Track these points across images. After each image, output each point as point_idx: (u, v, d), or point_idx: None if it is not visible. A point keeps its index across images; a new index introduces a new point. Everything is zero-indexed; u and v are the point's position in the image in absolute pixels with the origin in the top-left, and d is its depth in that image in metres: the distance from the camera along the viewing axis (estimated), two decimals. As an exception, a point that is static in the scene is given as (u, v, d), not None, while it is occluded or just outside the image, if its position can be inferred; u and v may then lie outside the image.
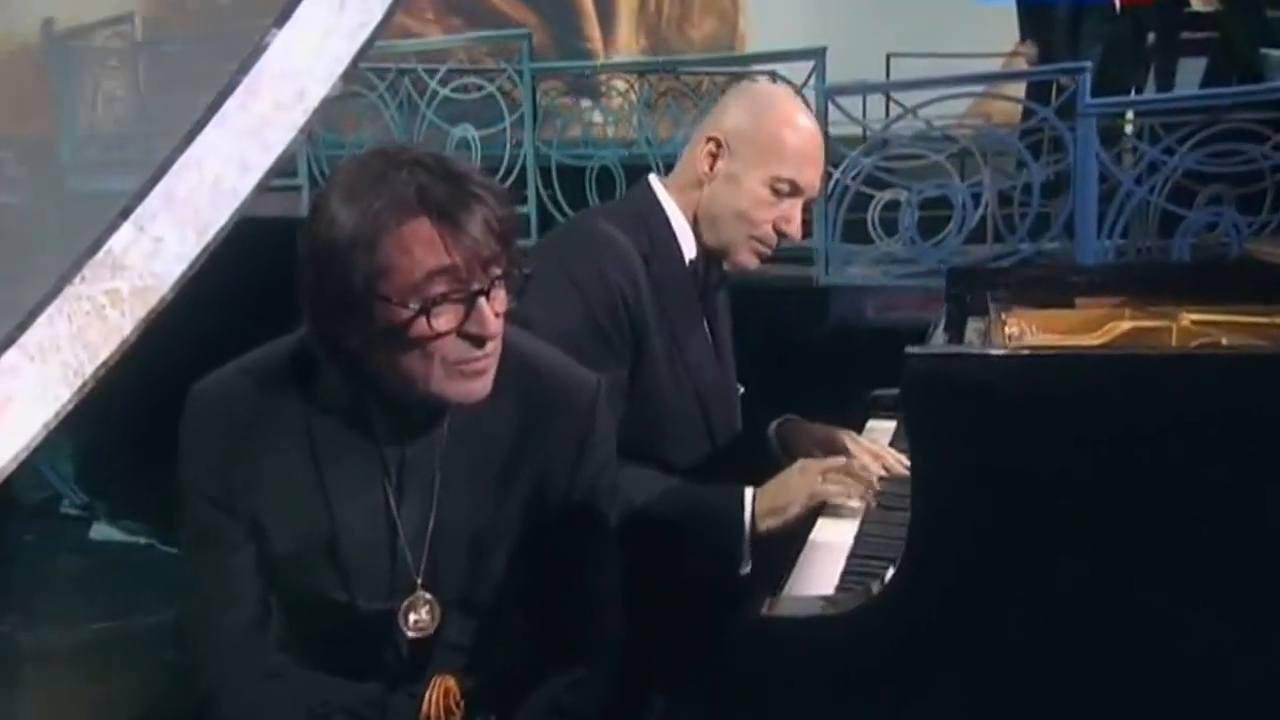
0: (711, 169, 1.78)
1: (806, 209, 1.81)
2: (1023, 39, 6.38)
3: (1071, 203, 3.88)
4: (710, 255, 1.84)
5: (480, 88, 5.04)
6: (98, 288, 2.19)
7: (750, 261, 1.82)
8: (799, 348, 4.15)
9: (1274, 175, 4.16)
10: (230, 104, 2.56)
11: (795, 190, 1.77)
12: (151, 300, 2.22)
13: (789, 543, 1.57)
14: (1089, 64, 3.96)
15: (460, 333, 1.22)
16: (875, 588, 1.18)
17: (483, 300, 1.22)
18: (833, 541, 1.50)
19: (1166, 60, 5.59)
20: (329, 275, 1.20)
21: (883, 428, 2.04)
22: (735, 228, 1.78)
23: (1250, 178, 4.10)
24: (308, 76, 2.63)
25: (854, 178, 4.22)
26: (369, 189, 1.19)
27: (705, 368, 1.85)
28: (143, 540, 4.19)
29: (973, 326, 1.81)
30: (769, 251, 1.83)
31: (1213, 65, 5.42)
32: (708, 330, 1.89)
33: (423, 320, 1.20)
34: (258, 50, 2.56)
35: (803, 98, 4.49)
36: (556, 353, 1.44)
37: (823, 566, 1.43)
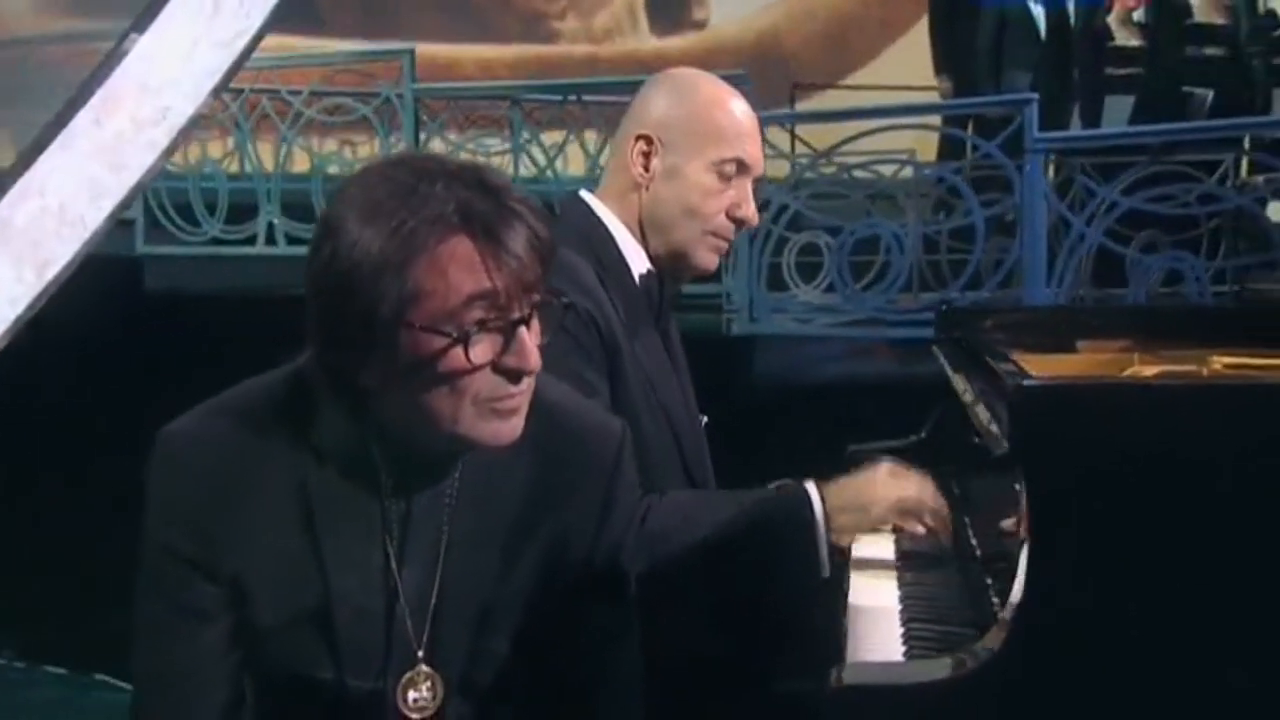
0: (647, 169, 1.74)
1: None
2: (938, 73, 6.58)
3: (1019, 246, 3.95)
4: (662, 266, 1.80)
5: (350, 109, 4.92)
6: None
7: (709, 262, 1.79)
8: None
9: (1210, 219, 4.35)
10: (80, 120, 2.39)
11: (742, 168, 1.75)
12: (-24, 349, 2.05)
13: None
14: (1035, 96, 4.04)
15: (496, 366, 1.17)
16: (964, 651, 1.17)
17: (523, 330, 1.17)
18: (875, 605, 1.48)
19: (1092, 96, 5.81)
20: (349, 301, 1.13)
21: None
22: (688, 226, 1.75)
23: (1188, 221, 4.27)
24: (173, 90, 2.49)
25: (775, 219, 4.22)
26: (398, 204, 1.13)
27: (673, 394, 1.80)
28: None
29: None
30: (727, 246, 1.80)
31: (1140, 102, 5.66)
32: (667, 355, 1.85)
33: (458, 351, 1.14)
34: (114, 58, 2.41)
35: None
36: (575, 394, 1.38)
37: (878, 631, 1.40)
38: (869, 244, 4.32)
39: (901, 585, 1.53)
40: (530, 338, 1.18)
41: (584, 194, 1.83)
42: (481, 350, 1.15)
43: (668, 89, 1.78)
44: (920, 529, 1.61)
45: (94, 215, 2.34)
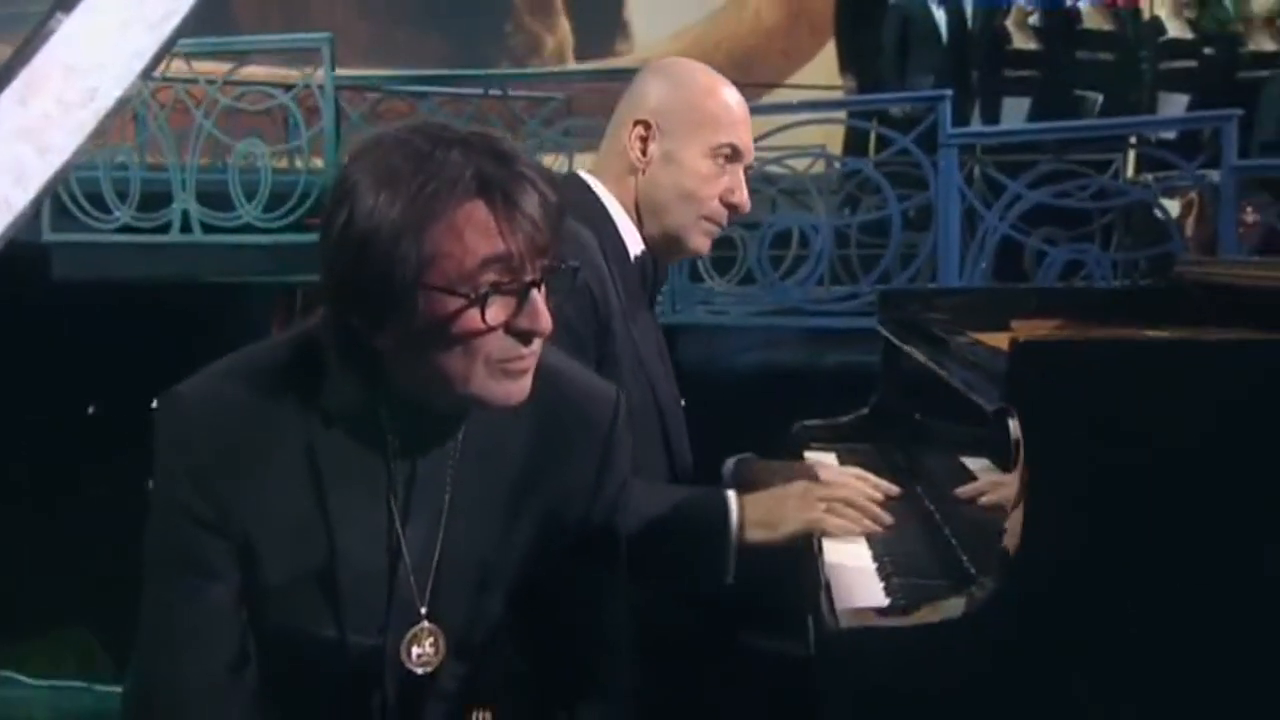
0: (644, 153, 1.78)
1: None
2: (843, 73, 6.70)
3: (934, 238, 4.03)
4: (656, 248, 1.83)
5: (269, 96, 4.81)
6: None
7: (703, 245, 1.83)
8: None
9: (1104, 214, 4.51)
10: (4, 101, 2.32)
11: (736, 154, 1.79)
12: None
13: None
14: (949, 92, 4.13)
15: (509, 328, 1.19)
16: (954, 597, 1.21)
17: (535, 292, 1.19)
18: (849, 564, 1.52)
19: (991, 97, 5.96)
20: (366, 265, 1.15)
21: (819, 459, 2.04)
22: (684, 210, 1.79)
23: (1084, 216, 4.42)
24: (100, 72, 2.42)
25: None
26: (415, 170, 1.14)
27: (661, 375, 1.83)
28: None
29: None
30: (719, 230, 1.84)
31: (1036, 104, 5.81)
32: (660, 335, 1.89)
33: (474, 312, 1.16)
34: (40, 38, 2.33)
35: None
36: (574, 362, 1.40)
37: (861, 587, 1.44)
38: (783, 237, 4.38)
39: (872, 548, 1.57)
40: (542, 300, 1.19)
41: (584, 173, 1.85)
42: (496, 312, 1.17)
43: (665, 77, 1.81)
44: (836, 530, 1.64)
45: (19, 197, 2.26)
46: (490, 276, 1.16)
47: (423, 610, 1.28)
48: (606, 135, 1.85)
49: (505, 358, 1.19)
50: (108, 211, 4.87)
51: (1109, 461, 1.17)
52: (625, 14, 10.01)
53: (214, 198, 4.83)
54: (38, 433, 4.43)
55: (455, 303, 1.16)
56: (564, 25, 9.91)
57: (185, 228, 4.81)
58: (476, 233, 1.15)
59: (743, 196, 1.80)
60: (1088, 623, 1.17)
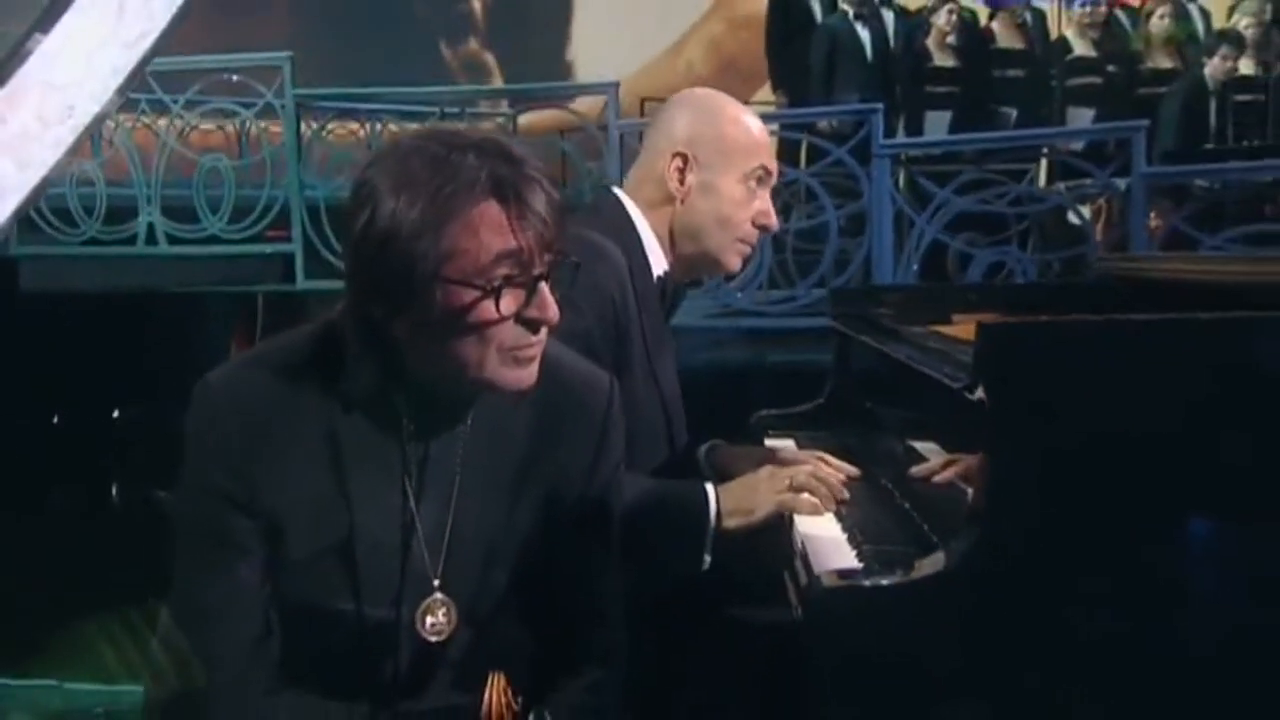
0: (683, 183, 1.81)
1: None
2: (774, 89, 6.75)
3: (869, 241, 4.07)
4: (689, 268, 1.88)
5: (232, 113, 4.72)
6: None
7: (736, 264, 1.87)
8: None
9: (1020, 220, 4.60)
10: (-18, 116, 2.25)
11: (765, 177, 1.84)
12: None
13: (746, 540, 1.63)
14: (881, 106, 4.18)
15: (519, 317, 1.21)
16: (928, 557, 1.24)
17: (543, 284, 1.22)
18: (824, 535, 1.54)
19: (914, 111, 6.03)
20: (388, 261, 1.17)
21: (779, 445, 2.06)
22: (720, 234, 1.82)
23: (1001, 222, 4.50)
24: (77, 90, 2.35)
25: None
26: (432, 173, 1.17)
27: (671, 381, 1.86)
28: None
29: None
30: (751, 250, 1.89)
31: (956, 118, 5.90)
32: (674, 347, 1.92)
33: (488, 303, 1.19)
34: (19, 57, 2.27)
35: (603, 132, 4.57)
36: (571, 351, 1.42)
37: (835, 555, 1.45)
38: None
39: (840, 521, 1.60)
40: (549, 292, 1.22)
41: (619, 192, 1.87)
42: (508, 303, 1.20)
43: (693, 109, 1.84)
44: (807, 508, 1.67)
45: (0, 210, 2.21)
46: (503, 270, 1.19)
47: (435, 582, 1.30)
48: (638, 163, 1.89)
49: (516, 345, 1.22)
50: (74, 225, 4.76)
51: (1068, 432, 1.20)
52: (563, 66, 10.18)
53: (179, 211, 4.74)
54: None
55: (471, 294, 1.18)
56: (498, 79, 10.00)
57: (151, 240, 4.71)
58: (491, 230, 1.18)
59: (772, 218, 1.85)
60: (1048, 580, 1.20)
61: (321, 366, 1.27)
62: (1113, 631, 1.19)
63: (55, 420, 4.99)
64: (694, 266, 1.88)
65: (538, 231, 1.19)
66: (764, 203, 1.83)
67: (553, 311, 1.22)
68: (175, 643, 1.31)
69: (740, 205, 1.81)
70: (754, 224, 1.83)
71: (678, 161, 1.80)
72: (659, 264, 1.84)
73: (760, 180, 1.82)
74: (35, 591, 3.76)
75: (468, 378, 1.22)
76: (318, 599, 1.28)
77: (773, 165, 1.85)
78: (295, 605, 1.28)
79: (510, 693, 1.29)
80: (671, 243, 1.84)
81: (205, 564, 1.27)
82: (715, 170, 1.80)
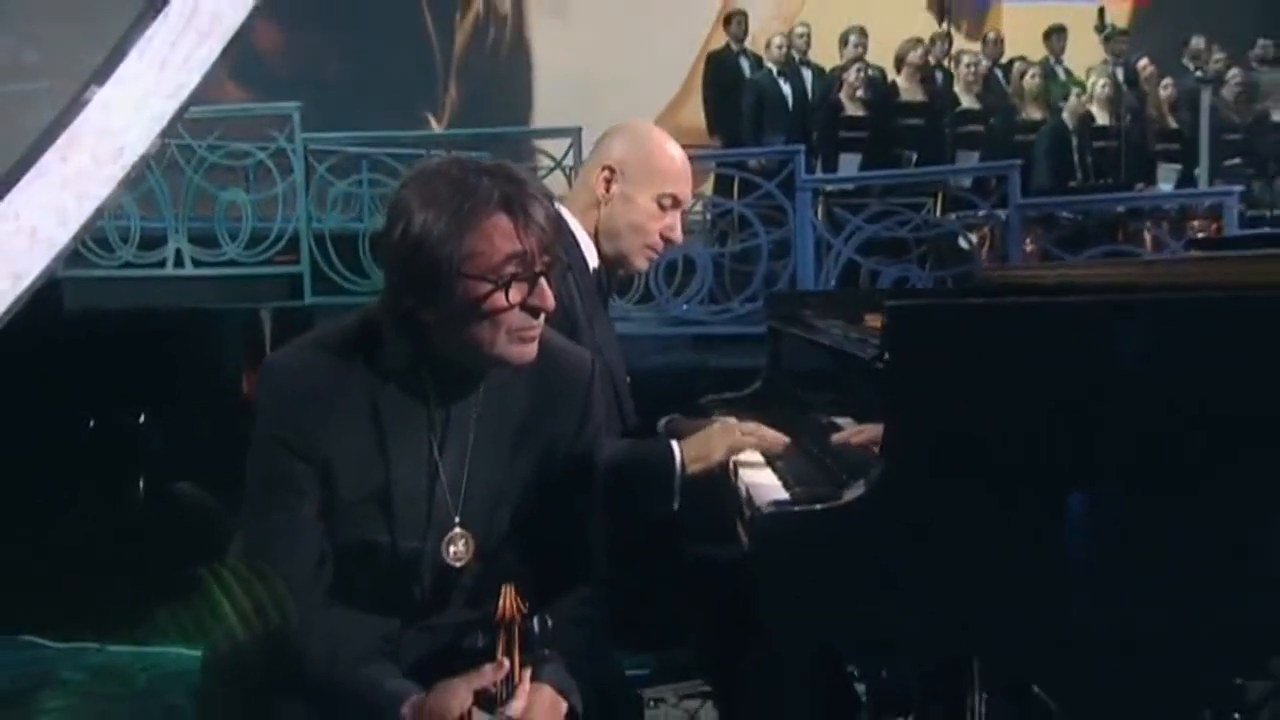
0: (608, 191, 1.91)
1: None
2: (711, 134, 6.91)
3: (793, 263, 4.24)
4: (608, 264, 1.97)
5: (248, 154, 4.79)
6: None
7: (644, 266, 1.99)
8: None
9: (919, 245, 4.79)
10: (49, 157, 2.34)
11: (676, 202, 1.94)
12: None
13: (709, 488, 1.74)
14: (803, 147, 4.34)
15: (524, 305, 1.33)
16: (847, 489, 1.36)
17: (543, 279, 1.34)
18: (764, 482, 1.67)
19: (830, 153, 6.20)
20: (420, 261, 1.30)
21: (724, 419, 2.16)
22: (632, 239, 1.92)
23: (902, 247, 4.69)
24: (126, 134, 2.45)
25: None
26: (454, 192, 1.30)
27: (615, 360, 1.95)
28: None
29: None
30: (657, 256, 1.99)
31: (865, 160, 6.07)
32: (612, 327, 2.01)
33: (499, 294, 1.31)
34: (77, 106, 2.36)
35: (563, 172, 4.69)
36: (558, 334, 1.53)
37: (773, 494, 1.57)
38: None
39: (775, 470, 1.73)
40: (547, 285, 1.35)
41: (554, 202, 1.95)
42: (515, 293, 1.33)
43: (628, 134, 1.94)
44: (752, 444, 1.81)
45: (61, 236, 2.30)
46: (511, 268, 1.31)
47: (456, 519, 1.42)
48: (578, 177, 2.00)
49: (521, 328, 1.35)
50: (111, 251, 4.80)
51: (955, 385, 1.32)
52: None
53: (202, 239, 4.80)
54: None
55: (485, 288, 1.31)
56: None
57: (178, 263, 4.77)
58: (502, 236, 1.31)
59: (678, 234, 1.95)
60: (940, 502, 1.32)
61: (364, 347, 1.38)
62: (982, 538, 1.32)
63: (90, 423, 4.99)
64: (613, 264, 1.97)
65: (538, 237, 1.32)
66: (673, 220, 1.93)
67: (550, 300, 1.35)
68: (236, 593, 1.39)
69: (651, 218, 1.91)
70: (661, 235, 1.93)
71: (605, 173, 1.90)
72: (593, 258, 1.94)
73: (672, 203, 1.92)
74: (75, 570, 3.79)
75: (482, 354, 1.35)
76: (361, 533, 1.39)
77: (685, 194, 1.95)
78: (343, 539, 1.39)
79: (520, 599, 1.37)
80: (596, 242, 1.94)
81: (273, 503, 1.37)
82: (635, 185, 1.90)
